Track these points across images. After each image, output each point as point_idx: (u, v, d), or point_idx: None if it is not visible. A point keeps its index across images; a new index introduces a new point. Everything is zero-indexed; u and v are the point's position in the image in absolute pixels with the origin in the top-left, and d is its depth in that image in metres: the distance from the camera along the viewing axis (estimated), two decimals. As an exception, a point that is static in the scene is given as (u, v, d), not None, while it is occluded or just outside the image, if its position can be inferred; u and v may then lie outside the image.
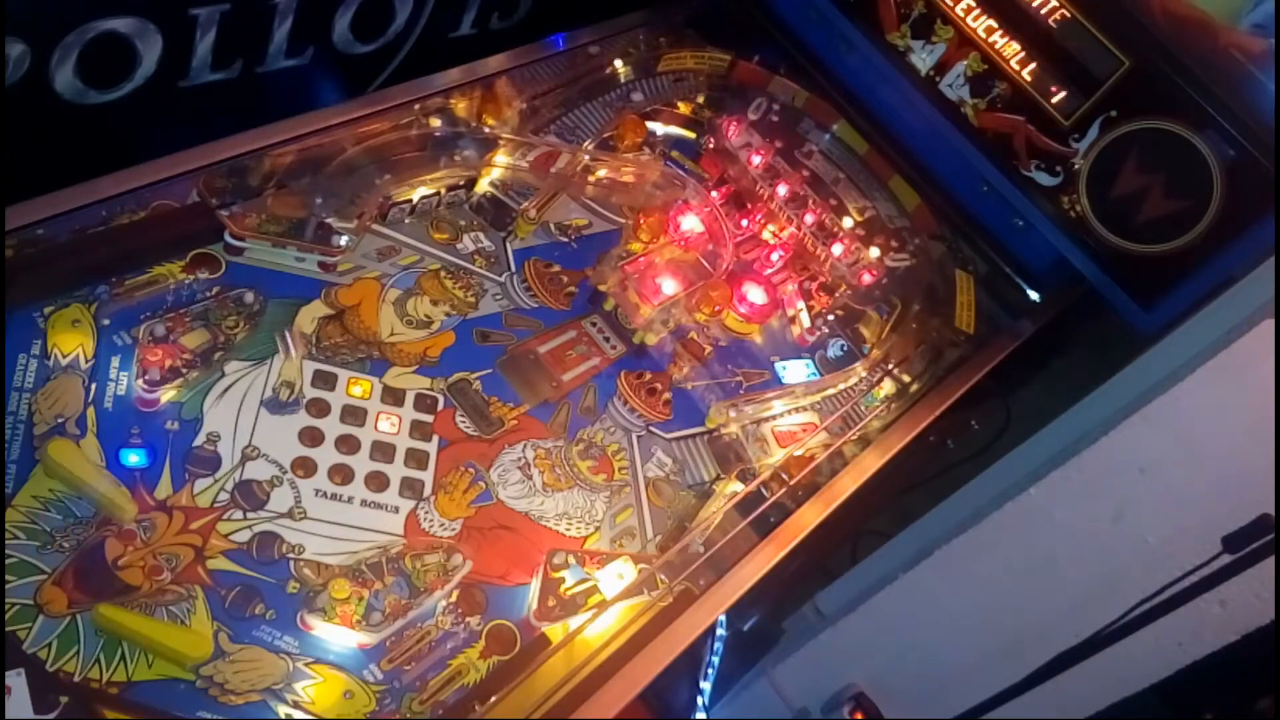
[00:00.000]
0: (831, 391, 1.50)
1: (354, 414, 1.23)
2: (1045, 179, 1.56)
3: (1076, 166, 1.53)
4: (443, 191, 1.46)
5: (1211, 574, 1.24)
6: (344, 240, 1.33)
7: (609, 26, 1.73)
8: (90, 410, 1.11)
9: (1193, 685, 1.42)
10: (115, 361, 1.16)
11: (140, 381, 1.15)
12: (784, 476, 1.34)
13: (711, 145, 1.70)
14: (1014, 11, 1.53)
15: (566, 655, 1.13)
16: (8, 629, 0.96)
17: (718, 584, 1.22)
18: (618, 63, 1.71)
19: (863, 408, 1.50)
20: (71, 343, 1.15)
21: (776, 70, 1.79)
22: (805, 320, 1.58)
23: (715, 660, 1.42)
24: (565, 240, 1.53)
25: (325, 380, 1.24)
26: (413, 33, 1.68)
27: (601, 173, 1.58)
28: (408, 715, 1.06)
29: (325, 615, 1.07)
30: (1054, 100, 1.53)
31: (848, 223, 1.67)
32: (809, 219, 1.64)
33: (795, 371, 1.52)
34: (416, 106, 1.46)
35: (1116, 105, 1.48)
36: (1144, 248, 1.51)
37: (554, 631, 1.16)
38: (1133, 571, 1.33)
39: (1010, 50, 1.55)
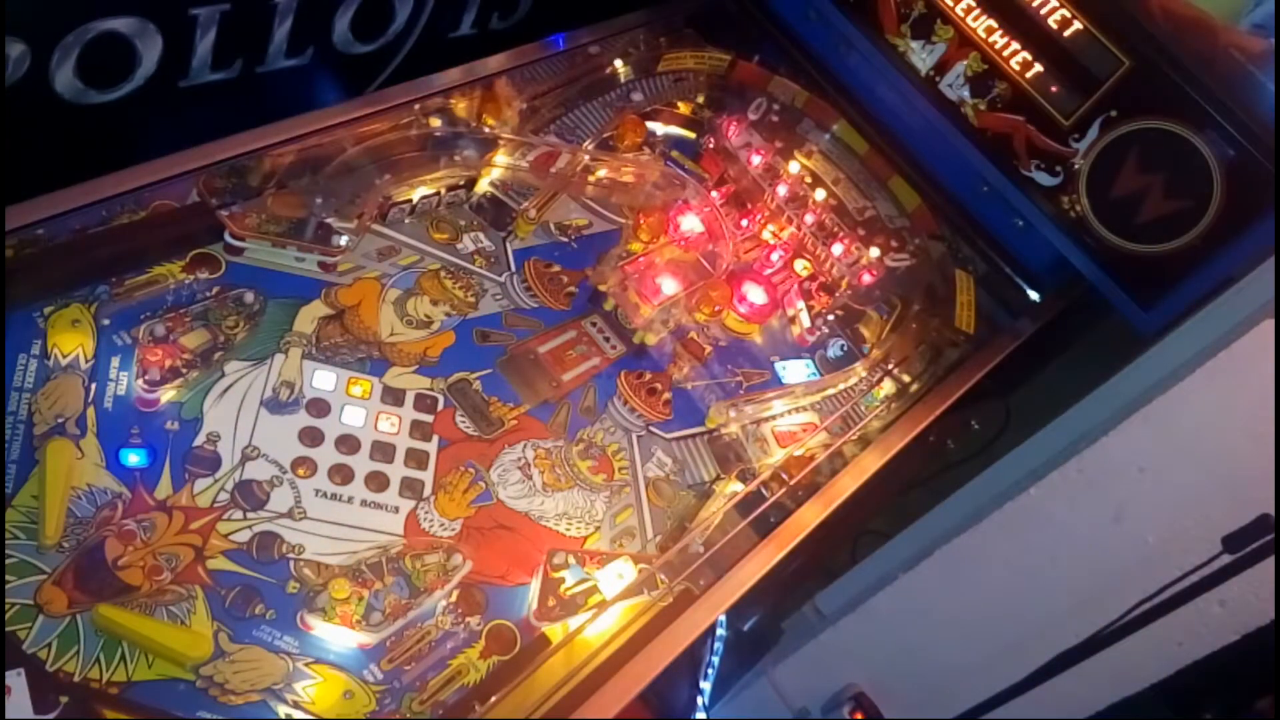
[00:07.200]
0: (831, 391, 1.50)
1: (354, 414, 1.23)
2: (1045, 179, 1.56)
3: (1076, 166, 1.53)
4: (443, 191, 1.46)
5: (1211, 574, 1.24)
6: (344, 240, 1.33)
7: (609, 26, 1.72)
8: (90, 410, 1.11)
9: (1193, 685, 1.42)
10: (115, 361, 1.16)
11: (140, 381, 1.15)
12: (784, 476, 1.34)
13: (711, 145, 1.70)
14: (1014, 11, 1.53)
15: (566, 655, 1.13)
16: (8, 629, 0.96)
17: (718, 584, 1.22)
18: (618, 63, 1.71)
19: (863, 408, 1.49)
20: (71, 343, 1.15)
21: (776, 70, 1.79)
22: (805, 320, 1.58)
23: (715, 660, 1.42)
24: (565, 240, 1.53)
25: (325, 380, 1.24)
26: (413, 33, 1.68)
27: (601, 173, 1.58)
28: (408, 715, 1.06)
29: (325, 615, 1.07)
30: (1054, 100, 1.53)
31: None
32: (809, 219, 1.64)
33: (795, 371, 1.52)
34: (416, 106, 1.45)
35: (1116, 105, 1.48)
36: (1144, 248, 1.51)
37: (554, 631, 1.16)
38: (1133, 571, 1.33)
39: (1010, 50, 1.55)
